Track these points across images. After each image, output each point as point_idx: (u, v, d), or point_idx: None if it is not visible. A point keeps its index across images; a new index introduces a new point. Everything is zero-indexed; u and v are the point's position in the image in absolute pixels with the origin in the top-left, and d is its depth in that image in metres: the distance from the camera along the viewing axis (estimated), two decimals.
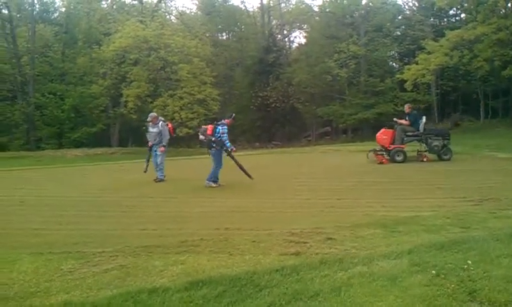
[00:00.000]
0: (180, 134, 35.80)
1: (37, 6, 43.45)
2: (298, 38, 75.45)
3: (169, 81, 37.44)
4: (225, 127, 12.43)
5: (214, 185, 12.51)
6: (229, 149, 12.63)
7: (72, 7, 42.96)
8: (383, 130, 17.82)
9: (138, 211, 9.66)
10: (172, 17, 48.68)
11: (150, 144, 14.59)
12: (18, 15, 41.21)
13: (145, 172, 14.45)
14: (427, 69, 31.18)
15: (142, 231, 7.49)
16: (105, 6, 44.94)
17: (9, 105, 38.03)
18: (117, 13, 42.55)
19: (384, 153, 17.19)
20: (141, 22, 37.83)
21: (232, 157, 12.75)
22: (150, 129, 14.59)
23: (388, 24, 40.75)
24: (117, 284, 4.63)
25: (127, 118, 37.02)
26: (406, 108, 18.17)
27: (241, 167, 12.75)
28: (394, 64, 45.41)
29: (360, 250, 5.49)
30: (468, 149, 20.27)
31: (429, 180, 12.39)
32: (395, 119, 18.15)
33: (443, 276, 4.41)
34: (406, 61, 40.01)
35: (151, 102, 36.60)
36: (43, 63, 39.22)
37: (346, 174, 14.20)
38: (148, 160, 14.64)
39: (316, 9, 48.04)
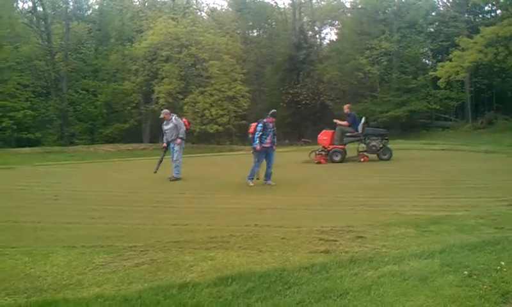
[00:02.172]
0: (211, 131, 36.00)
1: (71, 3, 44.10)
2: (329, 34, 75.02)
3: (199, 78, 37.59)
4: (260, 125, 12.34)
5: (250, 183, 12.37)
6: (252, 146, 12.66)
7: (105, 4, 43.49)
8: (323, 131, 18.22)
9: (169, 206, 9.75)
10: (203, 14, 48.94)
11: (164, 145, 14.46)
12: (52, 13, 41.89)
13: (155, 172, 14.21)
14: (461, 66, 30.60)
15: (172, 226, 7.55)
16: (138, 3, 45.31)
17: (44, 101, 38.74)
18: (149, 10, 42.88)
19: (324, 153, 17.58)
20: (172, 18, 38.08)
21: (254, 155, 12.71)
22: (164, 127, 14.43)
23: (421, 21, 40.07)
24: (148, 279, 4.69)
25: (159, 114, 37.12)
26: (345, 109, 18.43)
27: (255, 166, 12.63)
28: (427, 61, 44.65)
29: (390, 249, 5.44)
30: (503, 148, 19.87)
31: (462, 179, 12.20)
32: (334, 120, 18.59)
33: (475, 277, 4.34)
34: (439, 58, 39.25)
35: (182, 99, 36.82)
36: (76, 60, 39.79)
37: (376, 173, 14.08)
38: (160, 162, 14.38)
39: (348, 5, 47.73)
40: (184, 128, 14.35)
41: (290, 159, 18.24)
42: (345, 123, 17.77)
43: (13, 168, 18.79)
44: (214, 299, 4.09)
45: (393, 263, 4.84)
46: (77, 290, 4.46)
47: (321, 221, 7.23)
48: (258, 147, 12.38)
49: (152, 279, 4.68)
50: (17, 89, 36.14)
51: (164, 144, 14.46)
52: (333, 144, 17.46)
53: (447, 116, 40.40)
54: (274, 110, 12.94)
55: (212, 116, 35.90)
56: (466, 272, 4.44)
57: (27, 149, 29.43)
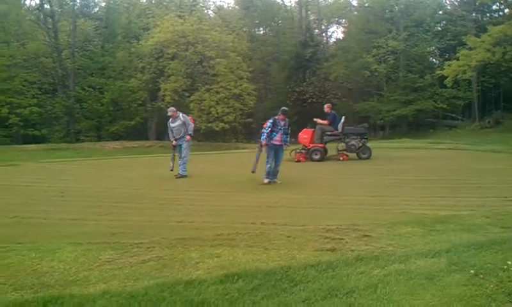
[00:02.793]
0: (216, 129, 36.04)
1: (78, 1, 44.19)
2: (336, 32, 74.85)
3: (206, 76, 37.65)
4: (271, 121, 12.29)
5: (265, 181, 12.22)
6: (259, 140, 12.69)
7: (111, 2, 43.51)
8: (304, 129, 18.46)
9: (174, 204, 9.76)
10: (210, 12, 48.99)
11: (174, 143, 14.37)
12: (59, 10, 41.96)
13: (171, 170, 14.16)
14: (468, 65, 30.52)
15: (178, 223, 7.57)
16: (144, 1, 45.41)
17: (50, 98, 38.93)
18: (156, 8, 42.98)
19: (304, 151, 17.85)
20: (179, 16, 38.19)
21: (259, 150, 12.69)
22: (171, 124, 14.37)
23: (428, 19, 39.93)
24: (154, 275, 4.70)
25: (165, 111, 37.20)
26: (326, 108, 18.46)
27: (256, 160, 12.53)
28: (434, 60, 44.60)
29: (396, 248, 5.43)
30: (510, 148, 19.79)
31: (468, 178, 12.15)
32: (315, 119, 18.58)
33: (481, 276, 4.33)
34: (446, 56, 39.15)
35: (188, 96, 36.92)
36: (83, 57, 39.92)
37: (383, 172, 14.05)
38: (173, 159, 14.33)
39: (355, 3, 47.72)
40: (193, 126, 14.48)
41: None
42: (325, 122, 17.90)
43: (20, 165, 18.86)
44: (220, 296, 4.09)
45: (400, 261, 4.83)
46: (84, 286, 4.48)
47: (327, 219, 7.22)
48: (263, 142, 12.29)
49: (158, 275, 4.69)
50: (24, 86, 36.32)
51: (174, 142, 14.45)
52: (313, 143, 17.67)
53: (453, 115, 40.31)
54: (284, 108, 12.84)
55: (218, 113, 35.98)
56: (472, 271, 4.43)
57: (33, 146, 29.57)
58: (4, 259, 5.23)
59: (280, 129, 12.27)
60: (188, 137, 14.14)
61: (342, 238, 5.86)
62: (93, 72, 40.22)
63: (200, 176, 14.22)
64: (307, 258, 5.08)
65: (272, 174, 12.34)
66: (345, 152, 17.63)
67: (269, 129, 12.23)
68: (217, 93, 36.60)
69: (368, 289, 4.16)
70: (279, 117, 12.35)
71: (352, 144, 17.38)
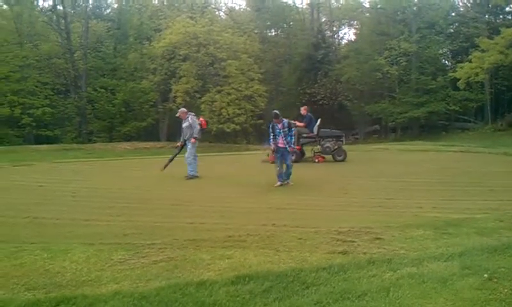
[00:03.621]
0: (228, 130, 36.05)
1: (90, 2, 44.46)
2: (348, 34, 74.79)
3: (217, 77, 37.68)
4: (269, 127, 12.42)
5: (277, 183, 12.14)
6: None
7: (123, 3, 43.65)
8: None
9: (185, 205, 9.78)
10: (221, 13, 49.11)
11: (180, 143, 14.50)
12: (72, 11, 42.23)
13: (162, 170, 14.45)
14: (481, 67, 30.33)
15: (189, 224, 7.58)
16: (156, 2, 45.60)
17: (63, 99, 39.08)
18: (167, 10, 43.16)
19: None
20: (191, 18, 38.29)
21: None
22: (183, 125, 14.48)
23: (441, 21, 39.63)
24: (165, 276, 4.70)
25: (176, 113, 37.17)
26: (302, 110, 18.78)
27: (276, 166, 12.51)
28: (446, 62, 44.34)
29: (409, 251, 5.39)
30: None
31: (481, 181, 12.05)
32: (291, 121, 18.60)
33: (495, 280, 4.29)
34: (458, 59, 38.94)
35: (199, 98, 36.95)
36: (95, 58, 40.04)
37: (395, 174, 13.97)
38: (171, 160, 14.59)
39: (367, 5, 47.53)
40: (198, 128, 14.33)
41: (307, 159, 18.17)
42: (301, 124, 18.09)
43: (32, 165, 18.99)
44: (232, 298, 4.09)
45: (412, 265, 4.80)
46: (96, 286, 4.49)
47: (338, 222, 7.19)
48: (272, 146, 12.49)
49: (170, 276, 4.69)
50: (37, 86, 36.60)
51: (181, 143, 14.49)
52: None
53: (466, 118, 40.03)
54: (274, 111, 12.71)
55: (229, 115, 35.98)
56: (486, 275, 4.39)
57: (45, 147, 29.72)
58: (17, 259, 5.26)
59: (279, 132, 12.19)
60: (193, 140, 14.10)
61: (353, 241, 5.83)
62: (105, 73, 40.34)
63: (210, 177, 14.23)
64: (319, 261, 5.06)
65: (285, 175, 12.31)
66: (320, 154, 17.90)
67: (271, 134, 12.33)
68: (229, 94, 36.61)
69: (381, 292, 4.13)
70: (274, 121, 12.31)
71: (328, 146, 17.64)
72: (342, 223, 7.01)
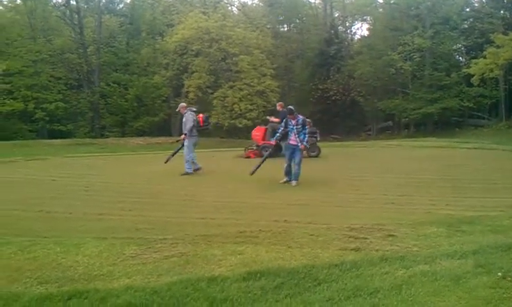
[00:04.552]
0: (240, 125, 36.04)
1: None
2: (360, 30, 74.52)
3: (229, 72, 37.66)
4: (283, 123, 12.37)
5: (282, 180, 12.00)
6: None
7: None
8: (257, 127, 19.75)
9: (197, 200, 9.81)
10: (234, 8, 49.04)
11: (182, 137, 14.46)
12: (85, 6, 42.47)
13: (165, 162, 14.68)
14: (496, 63, 30.02)
15: (201, 220, 7.59)
16: None
17: (76, 94, 39.33)
18: (180, 5, 43.19)
19: (255, 148, 18.69)
20: (203, 13, 38.27)
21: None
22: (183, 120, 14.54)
23: (455, 16, 39.24)
24: (177, 271, 4.69)
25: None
26: (278, 106, 18.71)
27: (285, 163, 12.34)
28: (460, 58, 43.93)
29: (422, 248, 5.34)
30: None
31: (495, 178, 11.96)
32: (267, 117, 19.64)
33: (509, 279, 4.23)
34: (473, 55, 38.50)
35: (211, 93, 36.99)
36: (108, 53, 40.17)
37: (408, 171, 13.89)
38: (174, 154, 14.78)
39: (380, 0, 47.20)
40: (191, 125, 14.05)
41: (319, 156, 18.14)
42: (276, 120, 18.12)
43: (45, 159, 19.16)
44: (243, 294, 4.07)
45: (425, 262, 4.75)
46: (108, 280, 4.50)
47: (350, 218, 7.16)
48: (272, 142, 12.39)
49: (181, 271, 4.68)
50: (50, 81, 36.94)
51: (182, 137, 14.50)
52: (265, 141, 18.30)
53: (480, 114, 39.67)
54: (290, 107, 12.34)
55: (241, 110, 35.95)
56: (500, 274, 4.33)
57: (59, 141, 29.96)
58: (30, 252, 5.28)
59: (292, 129, 11.91)
60: (182, 136, 14.12)
61: (366, 238, 5.78)
62: (118, 68, 40.51)
63: (222, 172, 14.27)
64: (331, 257, 5.02)
65: (292, 174, 11.95)
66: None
67: (282, 129, 12.19)
68: (241, 89, 36.56)
69: (393, 290, 4.10)
70: (289, 117, 12.11)
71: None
72: (354, 220, 6.97)
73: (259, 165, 12.38)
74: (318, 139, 18.69)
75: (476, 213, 7.51)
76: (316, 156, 17.89)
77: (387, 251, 5.24)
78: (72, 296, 4.05)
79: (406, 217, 7.27)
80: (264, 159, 12.82)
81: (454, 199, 9.22)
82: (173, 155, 14.82)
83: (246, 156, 18.55)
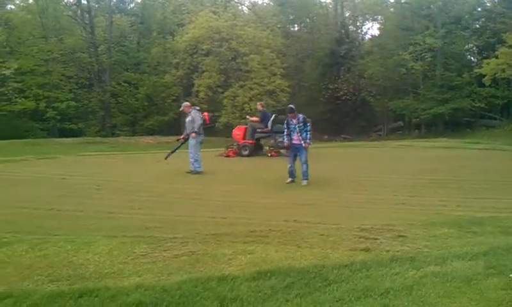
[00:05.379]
0: None
1: None
2: (371, 29, 74.13)
3: (239, 72, 37.64)
4: (285, 122, 12.35)
5: (304, 182, 11.74)
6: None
7: None
8: (237, 126, 20.33)
9: (206, 199, 9.83)
10: (244, 8, 49.04)
11: (182, 137, 14.76)
12: (96, 6, 42.68)
13: (165, 159, 15.11)
14: (508, 64, 29.75)
15: (211, 219, 7.61)
16: None
17: (87, 93, 39.57)
18: (191, 4, 43.26)
19: (235, 147, 19.08)
20: (213, 12, 38.28)
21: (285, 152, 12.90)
22: (186, 119, 14.58)
23: (467, 16, 38.98)
24: (187, 270, 4.69)
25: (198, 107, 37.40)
26: (258, 106, 19.67)
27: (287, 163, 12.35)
28: (472, 58, 43.61)
29: (432, 249, 5.30)
30: None
31: (506, 179, 11.87)
32: (247, 116, 20.60)
33: None
34: (485, 54, 38.22)
35: (222, 93, 37.01)
36: (119, 52, 40.35)
37: (418, 171, 13.82)
38: (173, 151, 14.96)
39: (391, 0, 46.99)
40: (200, 123, 14.21)
41: (328, 155, 18.11)
42: (256, 119, 18.87)
43: (57, 158, 19.28)
44: (253, 293, 4.07)
45: (436, 263, 4.72)
46: (118, 279, 4.51)
47: (361, 219, 7.14)
48: (285, 143, 12.31)
49: (191, 270, 4.68)
50: (61, 80, 37.26)
51: (183, 136, 14.59)
52: (245, 139, 18.73)
53: (491, 115, 39.35)
54: (289, 106, 12.48)
55: (251, 110, 35.92)
56: (511, 275, 4.30)
57: (70, 140, 30.16)
58: (41, 250, 5.31)
59: (294, 128, 11.91)
60: (193, 134, 14.10)
61: (376, 238, 5.76)
62: (129, 67, 40.67)
63: (232, 172, 14.29)
64: (341, 257, 5.00)
65: (302, 175, 11.87)
66: (274, 149, 18.58)
67: (285, 130, 12.15)
68: (251, 89, 36.50)
69: (403, 290, 4.07)
70: (289, 116, 12.10)
71: (280, 141, 17.51)
72: (364, 220, 6.95)
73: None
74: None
75: (487, 214, 7.47)
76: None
77: (397, 251, 5.22)
78: (83, 294, 4.06)
79: (417, 217, 7.24)
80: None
81: (465, 200, 9.17)
82: (172, 152, 14.99)
83: (225, 155, 18.84)
